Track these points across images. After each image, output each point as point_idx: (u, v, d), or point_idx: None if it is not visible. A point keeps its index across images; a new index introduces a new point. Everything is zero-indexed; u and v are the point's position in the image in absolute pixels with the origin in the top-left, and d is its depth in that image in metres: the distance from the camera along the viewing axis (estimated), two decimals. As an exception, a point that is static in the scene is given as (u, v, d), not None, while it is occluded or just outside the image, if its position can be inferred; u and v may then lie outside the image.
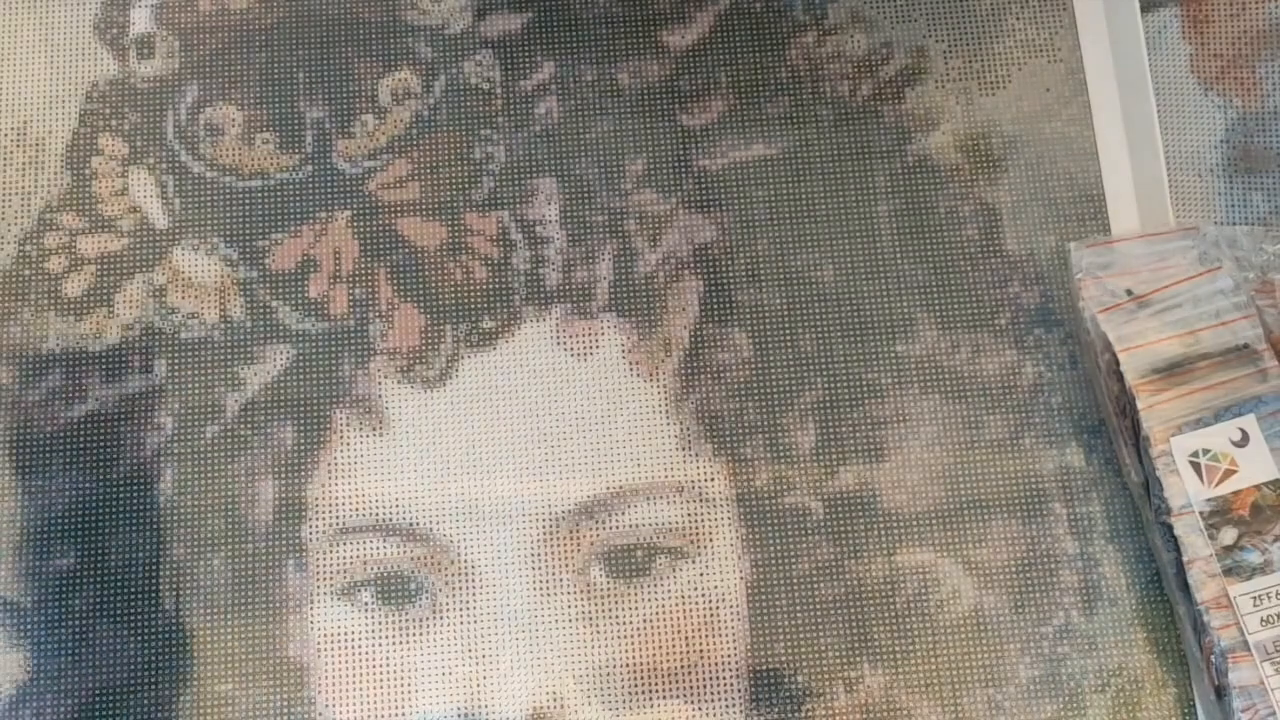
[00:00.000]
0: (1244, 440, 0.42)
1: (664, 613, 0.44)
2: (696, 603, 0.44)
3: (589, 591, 0.44)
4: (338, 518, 0.44)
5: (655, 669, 0.43)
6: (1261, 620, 0.40)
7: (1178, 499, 0.41)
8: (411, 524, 0.44)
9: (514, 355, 0.46)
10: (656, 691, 0.43)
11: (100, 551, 0.44)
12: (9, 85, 0.49)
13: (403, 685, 0.43)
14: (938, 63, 0.49)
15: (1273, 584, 0.40)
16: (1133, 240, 0.46)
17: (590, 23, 0.50)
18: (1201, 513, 0.41)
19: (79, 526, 0.44)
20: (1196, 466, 0.42)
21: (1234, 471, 0.41)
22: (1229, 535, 0.41)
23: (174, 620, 0.43)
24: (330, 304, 0.46)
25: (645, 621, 0.43)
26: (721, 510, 0.44)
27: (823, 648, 0.43)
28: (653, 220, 0.47)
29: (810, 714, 0.43)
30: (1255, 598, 0.40)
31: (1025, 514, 0.45)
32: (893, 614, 0.43)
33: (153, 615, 0.43)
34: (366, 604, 0.43)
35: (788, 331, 0.46)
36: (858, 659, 0.43)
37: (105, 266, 0.46)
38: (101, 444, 0.45)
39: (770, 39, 0.49)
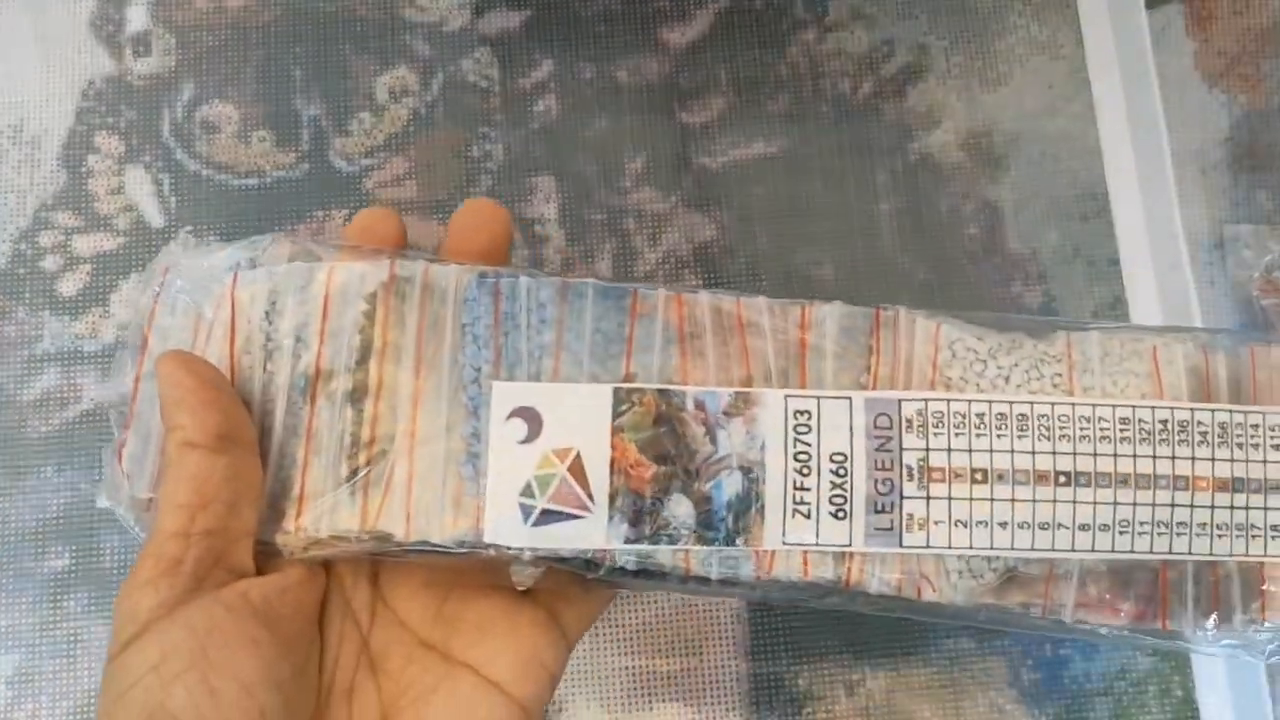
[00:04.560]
0: None
1: (663, 615, 0.43)
2: (695, 605, 0.43)
3: (587, 593, 0.43)
4: (334, 518, 0.44)
5: (654, 672, 0.43)
6: None
7: None
8: (409, 525, 0.44)
9: (512, 355, 0.46)
10: (655, 695, 0.42)
11: (95, 552, 0.43)
12: (4, 83, 0.48)
13: (400, 687, 0.42)
14: (939, 60, 0.49)
15: None
16: None
17: (589, 20, 0.49)
18: None
19: (74, 527, 0.44)
20: None
21: None
22: None
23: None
24: (327, 303, 0.46)
25: (644, 624, 0.43)
26: (721, 511, 0.44)
27: (823, 650, 0.43)
28: (652, 219, 0.47)
29: (811, 717, 0.42)
30: None
31: (1028, 515, 0.44)
32: (894, 616, 0.43)
33: (148, 617, 0.43)
34: (363, 605, 0.43)
35: (788, 331, 0.45)
36: (859, 662, 0.43)
37: (101, 265, 0.46)
38: (97, 444, 0.44)
39: (771, 36, 0.49)
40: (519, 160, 0.48)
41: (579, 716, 0.42)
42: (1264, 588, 0.27)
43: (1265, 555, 0.27)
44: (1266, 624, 0.27)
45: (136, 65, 0.48)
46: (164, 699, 0.23)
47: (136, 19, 0.49)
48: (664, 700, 0.42)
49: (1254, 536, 0.27)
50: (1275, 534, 0.27)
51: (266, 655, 0.25)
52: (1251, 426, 0.27)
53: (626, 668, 0.43)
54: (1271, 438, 0.27)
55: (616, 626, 0.43)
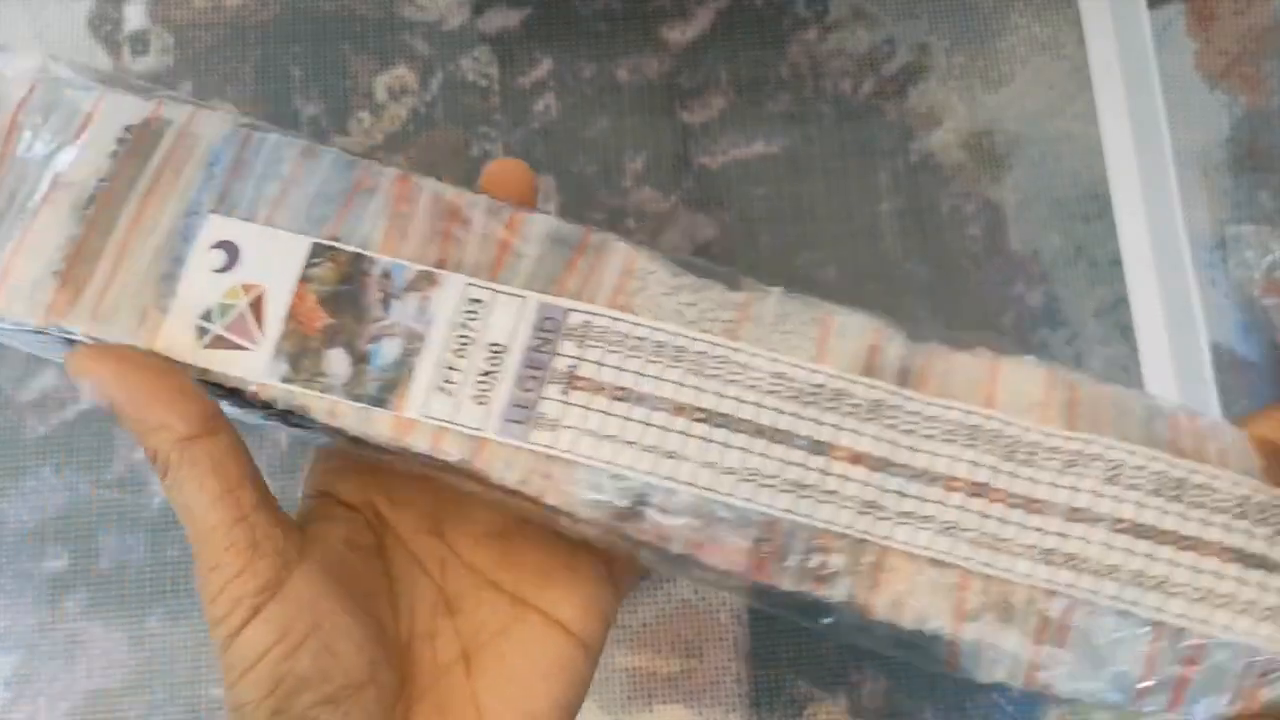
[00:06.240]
0: None
1: (663, 617, 0.43)
2: (696, 606, 0.43)
3: (588, 594, 0.43)
4: (334, 519, 0.44)
5: (654, 673, 0.43)
6: None
7: None
8: (408, 526, 0.44)
9: (512, 355, 0.45)
10: (655, 696, 0.42)
11: (93, 553, 0.43)
12: (2, 81, 0.48)
13: (399, 689, 0.42)
14: (940, 59, 0.49)
15: None
16: None
17: (589, 18, 0.49)
18: None
19: (72, 528, 0.43)
20: None
21: None
22: None
23: (168, 622, 0.43)
24: (326, 303, 0.46)
25: (644, 625, 0.43)
26: (722, 512, 0.44)
27: (825, 652, 0.43)
28: (652, 218, 0.47)
29: (812, 718, 0.42)
30: None
31: (1029, 516, 0.44)
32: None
33: (146, 618, 0.43)
34: (363, 607, 0.43)
35: (789, 331, 0.45)
36: (860, 663, 0.43)
37: (99, 265, 0.46)
38: (95, 444, 0.44)
39: (771, 35, 0.49)
40: (519, 159, 0.47)
41: (579, 717, 0.42)
42: (874, 564, 0.26)
43: (888, 538, 0.26)
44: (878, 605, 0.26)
45: (134, 64, 0.48)
46: (292, 666, 0.26)
47: (134, 17, 0.49)
48: (664, 701, 0.42)
49: (881, 519, 0.27)
50: (903, 520, 0.27)
51: (359, 612, 0.28)
52: (908, 412, 0.27)
53: (626, 669, 0.43)
54: (926, 428, 0.27)
55: (617, 627, 0.43)
